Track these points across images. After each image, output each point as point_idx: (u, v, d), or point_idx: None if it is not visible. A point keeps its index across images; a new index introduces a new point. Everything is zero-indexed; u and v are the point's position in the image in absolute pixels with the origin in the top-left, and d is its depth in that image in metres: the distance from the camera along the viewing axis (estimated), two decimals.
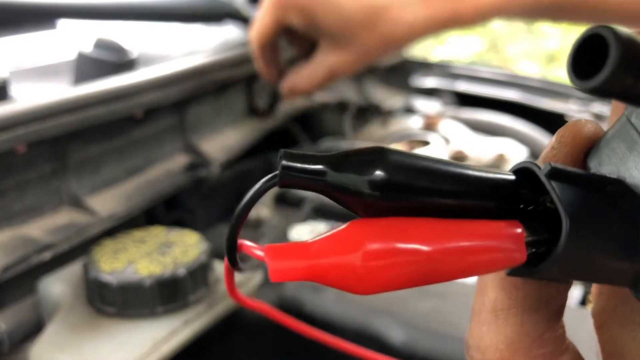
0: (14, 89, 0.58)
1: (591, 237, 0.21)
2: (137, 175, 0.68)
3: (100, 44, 0.67)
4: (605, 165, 0.23)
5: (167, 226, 0.61)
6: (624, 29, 0.18)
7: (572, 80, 0.18)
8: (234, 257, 0.23)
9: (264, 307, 0.30)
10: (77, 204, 0.60)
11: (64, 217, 0.59)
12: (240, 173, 0.83)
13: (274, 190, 0.81)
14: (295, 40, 0.76)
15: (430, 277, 0.20)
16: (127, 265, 0.54)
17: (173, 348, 0.52)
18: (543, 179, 0.21)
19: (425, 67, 1.15)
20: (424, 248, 0.20)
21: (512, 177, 0.22)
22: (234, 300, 0.27)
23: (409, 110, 1.07)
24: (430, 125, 0.97)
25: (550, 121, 0.97)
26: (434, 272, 0.20)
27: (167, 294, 0.53)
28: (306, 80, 0.73)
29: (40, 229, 0.56)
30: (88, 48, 0.68)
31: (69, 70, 0.69)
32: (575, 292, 0.65)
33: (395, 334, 0.57)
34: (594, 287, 0.27)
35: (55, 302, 0.55)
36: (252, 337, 0.63)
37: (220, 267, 0.59)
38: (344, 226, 0.21)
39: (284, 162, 0.20)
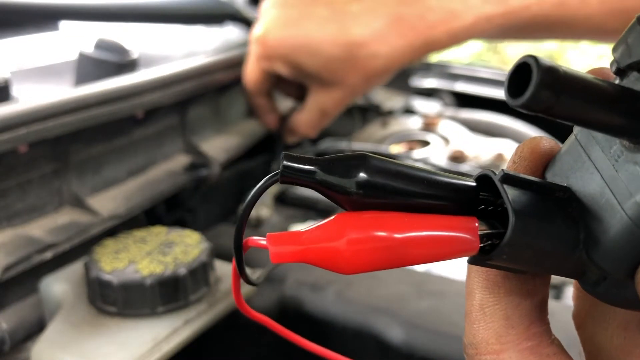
0: (15, 90, 0.58)
1: (536, 231, 0.24)
2: (138, 175, 0.68)
3: (102, 45, 0.68)
4: (557, 176, 0.27)
5: (168, 226, 0.61)
6: (547, 60, 0.21)
7: (506, 99, 0.22)
8: (240, 248, 0.26)
9: (269, 320, 0.32)
10: (78, 203, 0.60)
11: (65, 217, 0.59)
12: (240, 173, 0.84)
13: (274, 190, 0.82)
14: (286, 87, 0.79)
15: (402, 260, 0.24)
16: (128, 265, 0.54)
17: (174, 347, 0.52)
18: (497, 182, 0.25)
19: (425, 67, 1.15)
20: (396, 236, 0.24)
21: (473, 183, 0.26)
22: (241, 311, 0.30)
23: (409, 111, 1.07)
24: (429, 126, 0.97)
25: (548, 121, 0.97)
26: (404, 256, 0.24)
27: (168, 294, 0.53)
28: (303, 124, 0.77)
29: (42, 228, 0.57)
30: (89, 49, 0.68)
31: (71, 70, 0.69)
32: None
33: (395, 333, 0.58)
34: (573, 292, 0.30)
35: (56, 302, 0.55)
36: (252, 336, 0.63)
37: (220, 267, 0.59)
38: (332, 217, 0.25)
39: (285, 162, 0.24)
